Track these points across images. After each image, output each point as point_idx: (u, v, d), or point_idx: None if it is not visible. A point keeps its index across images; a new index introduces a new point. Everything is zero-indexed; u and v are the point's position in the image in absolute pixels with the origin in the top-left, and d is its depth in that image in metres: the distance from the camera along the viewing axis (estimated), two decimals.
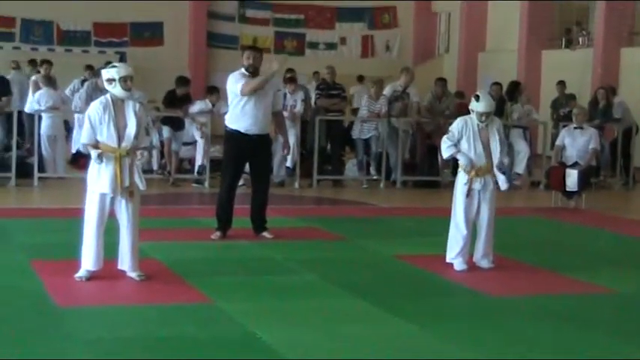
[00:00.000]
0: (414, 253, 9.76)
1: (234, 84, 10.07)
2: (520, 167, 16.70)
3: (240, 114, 10.08)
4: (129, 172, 7.94)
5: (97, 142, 7.91)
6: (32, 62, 20.15)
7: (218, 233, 10.25)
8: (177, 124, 15.58)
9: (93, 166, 7.93)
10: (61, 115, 15.90)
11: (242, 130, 10.09)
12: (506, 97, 17.23)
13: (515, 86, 17.56)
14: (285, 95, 15.68)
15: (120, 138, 7.91)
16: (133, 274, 8.03)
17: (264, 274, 8.57)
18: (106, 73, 7.95)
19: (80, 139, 8.06)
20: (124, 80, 7.89)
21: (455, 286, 8.41)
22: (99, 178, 7.89)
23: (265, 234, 10.36)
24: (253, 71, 10.10)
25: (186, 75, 17.58)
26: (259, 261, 9.21)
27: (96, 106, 7.95)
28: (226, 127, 10.32)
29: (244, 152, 10.21)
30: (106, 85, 7.97)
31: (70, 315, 6.92)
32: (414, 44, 28.60)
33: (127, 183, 7.91)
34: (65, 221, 10.73)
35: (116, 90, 7.90)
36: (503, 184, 9.03)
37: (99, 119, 7.88)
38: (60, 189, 14.48)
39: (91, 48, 25.59)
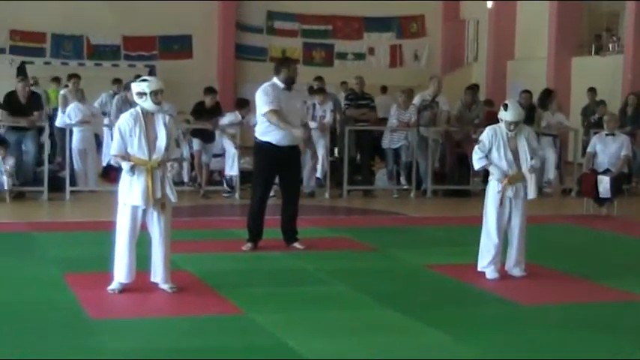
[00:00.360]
0: (446, 263, 9.73)
1: (262, 100, 10.05)
2: (550, 174, 16.60)
3: (270, 127, 10.10)
4: (160, 184, 7.98)
5: (128, 154, 7.96)
6: (56, 80, 20.31)
7: (249, 244, 10.27)
8: (207, 136, 15.64)
9: (124, 178, 7.98)
10: (91, 128, 16.00)
11: (272, 142, 10.11)
12: (538, 104, 17.15)
13: (547, 94, 17.46)
14: (314, 106, 15.71)
15: (150, 150, 7.95)
16: (165, 286, 8.07)
17: (296, 285, 8.58)
18: (137, 87, 8.00)
19: (110, 151, 8.11)
20: (154, 94, 7.94)
21: (487, 295, 8.37)
22: (130, 191, 7.93)
23: (296, 245, 10.36)
24: (291, 83, 10.15)
25: (214, 86, 17.64)
26: (291, 272, 9.22)
27: (126, 118, 8.01)
28: (256, 139, 10.33)
29: (274, 164, 10.21)
30: (137, 99, 8.02)
31: (103, 327, 6.96)
32: (442, 53, 28.53)
33: (158, 195, 7.95)
34: (97, 234, 10.80)
35: (147, 104, 7.95)
36: (531, 192, 8.99)
37: (129, 131, 7.93)
38: (91, 202, 14.57)
39: (121, 62, 25.72)
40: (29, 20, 24.78)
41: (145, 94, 7.93)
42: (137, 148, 7.94)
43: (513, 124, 8.84)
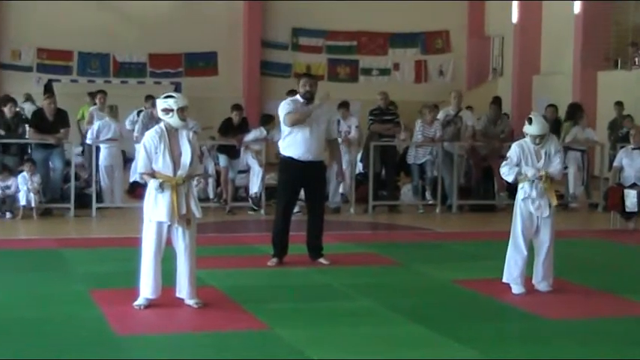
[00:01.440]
0: (472, 278, 9.70)
1: (282, 111, 10.21)
2: (572, 187, 16.50)
3: (292, 141, 10.17)
4: (185, 199, 8.01)
5: (153, 170, 8.00)
6: (91, 95, 20.35)
7: (274, 260, 10.29)
8: (233, 153, 15.67)
9: (149, 194, 8.01)
10: (118, 145, 16.07)
11: (295, 157, 10.16)
12: (565, 117, 17.07)
13: (575, 108, 17.32)
14: (338, 121, 15.70)
15: (175, 166, 7.99)
16: (190, 302, 8.08)
17: (321, 301, 8.57)
18: (163, 104, 8.04)
19: (137, 169, 8.14)
20: (181, 110, 7.99)
21: (513, 309, 8.33)
22: (156, 207, 7.96)
23: (322, 260, 10.36)
24: (310, 98, 10.21)
25: (240, 103, 17.72)
26: (316, 287, 9.21)
27: (151, 135, 8.05)
28: (280, 153, 10.39)
29: (298, 179, 10.26)
30: (162, 115, 8.06)
31: (129, 343, 6.98)
32: (467, 68, 28.50)
33: (183, 211, 7.98)
34: (123, 250, 10.84)
35: (173, 120, 8.00)
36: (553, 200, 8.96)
37: (154, 148, 7.97)
38: (118, 219, 14.62)
39: (147, 79, 25.87)
40: (56, 38, 25.00)
41: (172, 110, 7.98)
42: (162, 165, 7.98)
43: (539, 138, 8.83)
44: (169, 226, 8.01)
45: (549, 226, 8.89)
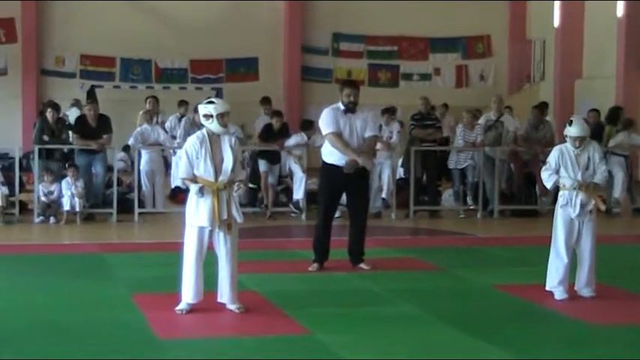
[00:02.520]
0: (513, 283, 9.66)
1: (323, 123, 10.20)
2: (616, 192, 16.36)
3: (332, 148, 10.17)
4: (226, 205, 8.04)
5: (195, 176, 8.05)
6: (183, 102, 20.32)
7: (315, 265, 10.30)
8: (273, 158, 15.72)
9: (191, 200, 8.06)
10: (159, 150, 16.17)
11: (337, 164, 10.14)
12: (606, 122, 16.92)
13: (617, 112, 17.13)
14: (380, 127, 15.67)
15: (217, 172, 8.03)
16: (232, 307, 8.11)
17: (362, 306, 8.56)
18: (204, 109, 8.08)
19: (178, 174, 8.18)
20: (221, 117, 8.02)
21: (555, 315, 8.28)
22: (197, 212, 8.01)
23: (362, 265, 10.36)
24: (352, 108, 10.17)
25: (280, 109, 17.76)
26: (357, 292, 9.21)
27: (192, 141, 8.10)
28: (322, 159, 10.39)
29: (339, 184, 10.24)
30: (203, 121, 8.11)
31: (171, 347, 7.03)
32: (508, 73, 28.35)
33: (224, 216, 8.01)
34: (165, 255, 10.91)
35: (213, 126, 8.04)
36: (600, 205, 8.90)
37: (195, 154, 8.02)
38: (159, 224, 14.72)
39: (188, 85, 26.02)
40: (99, 45, 25.23)
41: (212, 116, 8.02)
42: (203, 170, 8.02)
43: (578, 140, 8.77)
44: (211, 231, 8.04)
45: (591, 232, 8.83)
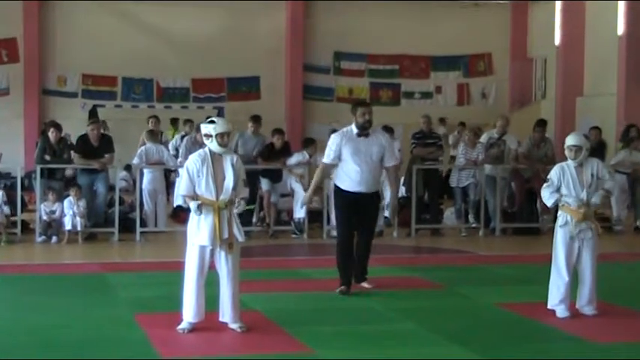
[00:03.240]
0: (516, 301, 9.65)
1: (327, 148, 10.09)
2: (616, 210, 16.35)
3: (343, 174, 10.04)
4: (227, 224, 8.04)
5: (196, 194, 8.05)
6: (174, 120, 20.29)
7: (343, 288, 9.99)
8: (275, 176, 15.73)
9: (192, 219, 8.07)
10: (161, 169, 16.19)
11: (346, 189, 10.02)
12: (621, 139, 16.92)
13: (629, 130, 17.16)
14: None
15: (218, 190, 8.03)
16: (234, 326, 8.10)
17: (364, 324, 8.56)
18: (204, 129, 8.11)
19: (179, 191, 8.18)
20: (220, 136, 8.04)
21: (557, 332, 8.27)
22: (198, 231, 8.01)
23: (364, 284, 10.30)
24: (367, 127, 9.97)
25: (282, 127, 17.77)
26: (359, 310, 9.20)
27: (194, 159, 8.11)
28: (334, 183, 10.29)
29: (351, 206, 10.03)
30: (204, 140, 8.13)
31: None
32: (510, 91, 28.38)
33: (225, 235, 8.01)
34: (167, 275, 10.89)
35: (212, 145, 8.06)
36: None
37: (197, 171, 8.03)
38: (161, 243, 14.72)
39: (190, 104, 26.05)
40: (101, 65, 25.27)
41: (211, 136, 8.04)
42: (204, 189, 8.03)
43: (574, 149, 8.77)
44: (212, 250, 8.05)
45: (591, 250, 8.82)
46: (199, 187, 8.04)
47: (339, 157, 9.98)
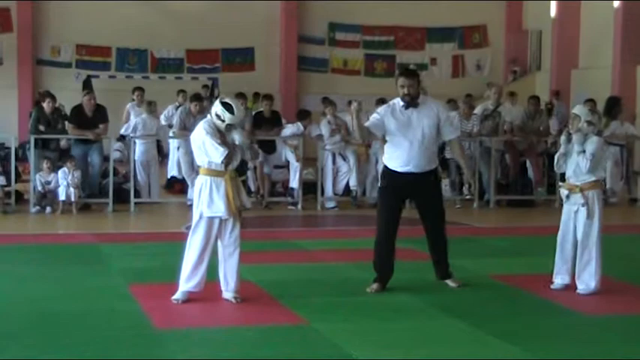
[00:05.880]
0: (510, 273, 9.66)
1: (374, 115, 8.89)
2: (609, 182, 16.35)
3: (391, 151, 8.83)
4: (237, 192, 8.05)
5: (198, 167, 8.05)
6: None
7: (375, 285, 8.82)
8: (269, 147, 15.68)
9: (203, 191, 8.00)
10: (154, 141, 16.18)
11: (394, 169, 8.81)
12: (604, 112, 16.90)
13: (614, 102, 17.13)
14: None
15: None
16: (228, 295, 8.10)
17: (359, 295, 8.56)
18: (220, 111, 7.98)
19: (217, 158, 7.90)
20: (229, 126, 8.00)
21: (553, 305, 8.27)
22: (212, 203, 7.96)
23: (449, 282, 9.08)
24: (410, 101, 8.73)
25: (276, 98, 17.70)
26: (353, 282, 9.19)
27: (208, 123, 8.02)
28: (384, 163, 9.05)
29: (399, 192, 8.91)
30: (214, 118, 8.02)
31: (168, 337, 7.02)
32: (505, 63, 28.37)
33: (238, 203, 8.02)
34: (161, 245, 10.91)
35: (219, 124, 8.00)
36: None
37: (212, 136, 7.96)
38: (155, 214, 14.71)
39: (184, 74, 25.99)
40: (95, 35, 25.18)
41: (223, 121, 7.97)
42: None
43: (575, 119, 8.75)
44: (220, 221, 8.02)
45: (592, 222, 8.69)
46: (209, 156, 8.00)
47: (381, 128, 8.76)
